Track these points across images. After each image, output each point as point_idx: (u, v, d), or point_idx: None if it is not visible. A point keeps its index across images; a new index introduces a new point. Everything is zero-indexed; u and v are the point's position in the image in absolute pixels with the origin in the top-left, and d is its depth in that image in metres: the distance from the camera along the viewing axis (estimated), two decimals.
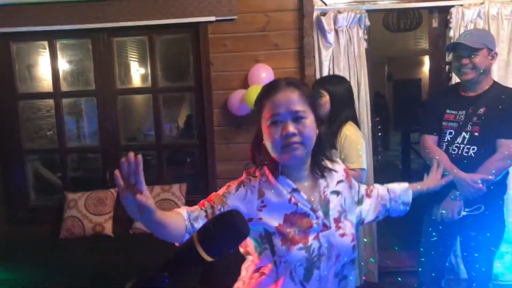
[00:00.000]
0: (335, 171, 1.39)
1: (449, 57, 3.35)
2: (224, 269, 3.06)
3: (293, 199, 1.27)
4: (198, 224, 1.19)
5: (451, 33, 3.22)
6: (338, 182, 1.38)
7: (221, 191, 1.30)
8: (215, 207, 1.24)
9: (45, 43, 3.60)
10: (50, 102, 3.85)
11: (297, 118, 1.22)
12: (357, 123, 2.55)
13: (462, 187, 2.21)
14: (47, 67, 3.67)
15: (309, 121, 1.24)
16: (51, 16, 3.34)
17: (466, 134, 2.27)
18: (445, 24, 3.32)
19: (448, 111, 2.36)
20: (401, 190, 1.57)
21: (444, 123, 2.36)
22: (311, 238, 1.24)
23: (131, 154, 0.91)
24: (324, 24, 3.20)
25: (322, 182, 1.34)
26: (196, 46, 3.43)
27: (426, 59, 8.50)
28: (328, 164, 1.38)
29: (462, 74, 2.29)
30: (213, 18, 3.32)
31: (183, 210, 1.24)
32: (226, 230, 0.71)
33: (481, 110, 2.26)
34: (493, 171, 2.18)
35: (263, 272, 1.27)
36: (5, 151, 3.53)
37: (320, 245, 1.24)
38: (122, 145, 3.67)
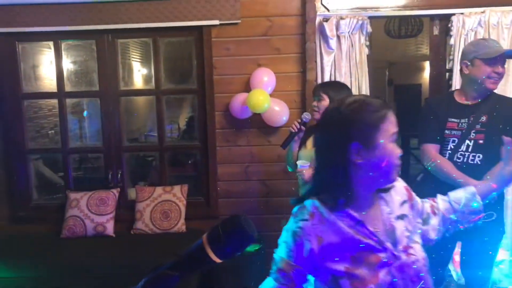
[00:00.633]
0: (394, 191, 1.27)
1: (449, 65, 3.40)
2: (225, 269, 3.09)
3: (357, 234, 1.15)
4: None
5: (452, 41, 3.26)
6: (401, 203, 1.26)
7: (283, 253, 1.19)
8: (291, 276, 1.16)
9: (50, 44, 3.64)
10: (52, 101, 3.88)
11: None
12: None
13: None
14: (51, 67, 3.70)
15: None
16: (57, 17, 3.38)
17: (470, 142, 2.29)
18: (446, 31, 3.37)
19: (450, 119, 2.36)
20: (467, 198, 1.41)
21: (447, 132, 2.36)
22: (382, 275, 1.12)
23: None
24: (326, 29, 3.24)
25: (384, 208, 1.22)
26: (199, 49, 3.47)
27: (427, 65, 8.53)
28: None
29: (493, 83, 2.28)
30: (216, 22, 3.36)
31: None
32: (234, 234, 0.74)
33: (483, 118, 2.29)
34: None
35: None
36: (8, 150, 3.56)
37: (392, 279, 1.13)
38: (125, 145, 3.71)
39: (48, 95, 3.91)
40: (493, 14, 3.20)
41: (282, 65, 3.40)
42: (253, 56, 3.42)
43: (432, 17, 3.44)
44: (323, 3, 3.32)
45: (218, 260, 0.75)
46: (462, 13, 3.24)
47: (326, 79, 3.29)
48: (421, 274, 1.17)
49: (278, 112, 3.29)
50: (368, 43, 3.34)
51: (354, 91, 3.30)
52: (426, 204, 1.37)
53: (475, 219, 1.44)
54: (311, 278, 1.19)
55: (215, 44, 3.42)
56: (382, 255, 1.14)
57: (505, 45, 3.21)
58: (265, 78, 3.31)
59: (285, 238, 1.20)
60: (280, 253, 1.19)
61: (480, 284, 2.36)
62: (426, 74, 9.54)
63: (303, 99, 3.36)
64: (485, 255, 2.33)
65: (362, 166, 1.14)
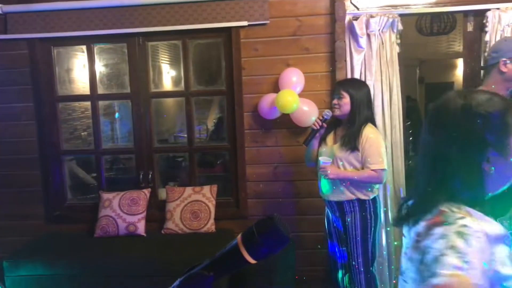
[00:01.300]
0: None
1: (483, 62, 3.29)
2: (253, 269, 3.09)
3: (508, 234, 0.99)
4: None
5: (487, 37, 3.16)
6: None
7: (466, 277, 0.87)
8: None
9: (83, 47, 3.73)
10: (85, 104, 3.97)
11: None
12: (375, 124, 2.69)
13: None
14: (84, 71, 3.80)
15: None
16: (89, 22, 3.47)
17: None
18: (481, 28, 3.26)
19: None
20: None
21: None
22: None
23: None
24: (356, 28, 3.19)
25: None
26: (228, 50, 3.49)
27: (459, 62, 8.31)
28: None
29: None
30: (245, 23, 3.36)
31: None
32: (269, 234, 0.73)
33: None
34: None
35: None
36: (44, 152, 3.67)
37: None
38: (155, 146, 3.77)
39: (82, 97, 4.01)
40: None
41: (311, 65, 3.37)
42: (282, 56, 3.41)
43: (466, 13, 3.34)
44: (352, 1, 3.27)
45: (253, 261, 0.74)
46: (498, 8, 3.13)
47: (356, 78, 3.24)
48: None
49: (307, 112, 3.26)
50: (399, 41, 3.28)
51: (385, 90, 3.25)
52: None
53: None
54: None
55: (244, 45, 3.43)
56: None
57: None
58: (294, 78, 3.29)
59: (465, 253, 0.90)
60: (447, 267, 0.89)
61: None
62: (458, 72, 9.28)
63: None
64: None
65: (491, 176, 1.00)
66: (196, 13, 3.39)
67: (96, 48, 3.76)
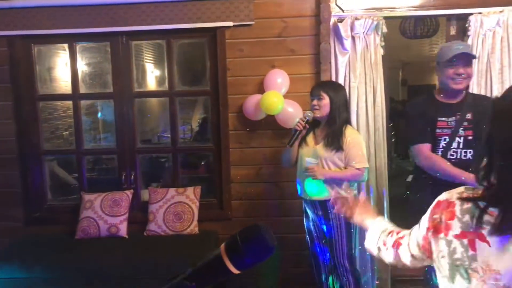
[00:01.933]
0: None
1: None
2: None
3: None
4: None
5: (470, 41, 3.20)
6: None
7: None
8: None
9: (65, 46, 3.66)
10: (67, 103, 3.90)
11: None
12: (351, 125, 2.81)
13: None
14: (66, 69, 3.73)
15: None
16: (72, 19, 3.40)
17: (460, 139, 2.43)
18: (463, 31, 3.30)
19: (439, 118, 2.48)
20: None
21: (438, 130, 2.48)
22: None
23: None
24: (341, 30, 3.20)
25: None
26: (213, 50, 3.46)
27: None
28: None
29: (457, 83, 2.42)
30: (230, 23, 3.34)
31: None
32: (254, 244, 0.71)
33: (469, 115, 2.42)
34: None
35: None
36: (24, 152, 3.59)
37: None
38: (138, 147, 3.72)
39: (63, 96, 3.94)
40: None
41: (297, 67, 3.37)
42: (267, 57, 3.40)
43: (449, 17, 3.38)
44: (337, 3, 3.28)
45: (236, 271, 0.72)
46: (480, 13, 3.18)
47: (341, 80, 3.25)
48: None
49: (292, 113, 3.26)
50: (383, 43, 3.30)
51: (369, 92, 3.27)
52: None
53: None
54: None
55: (229, 46, 3.40)
56: None
57: None
58: (279, 79, 3.28)
59: None
60: None
61: None
62: None
63: None
64: None
65: None
66: (181, 12, 3.35)
67: (78, 47, 3.69)
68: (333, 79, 3.28)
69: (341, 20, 3.24)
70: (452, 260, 1.02)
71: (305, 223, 2.94)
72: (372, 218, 1.46)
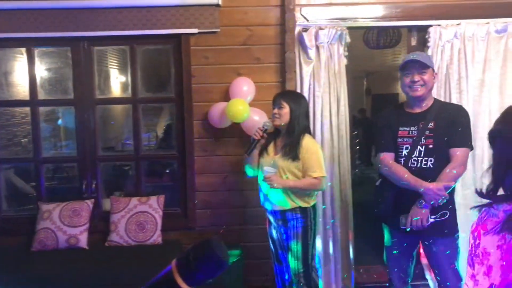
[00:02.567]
0: None
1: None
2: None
3: None
4: None
5: (430, 52, 3.30)
6: None
7: None
8: None
9: (23, 50, 3.53)
10: (25, 109, 3.76)
11: None
12: (311, 135, 2.80)
13: (429, 196, 2.36)
14: (24, 74, 3.59)
15: None
16: (30, 23, 3.28)
17: (421, 148, 2.46)
18: (424, 42, 3.40)
19: (401, 128, 2.54)
20: None
21: (399, 140, 2.53)
22: None
23: None
24: (305, 40, 3.23)
25: None
26: (178, 57, 3.42)
27: None
28: None
29: (414, 90, 2.48)
30: (195, 30, 3.31)
31: None
32: (206, 260, 0.69)
33: (431, 124, 2.47)
34: (453, 178, 2.38)
35: None
36: None
37: None
38: (100, 155, 3.61)
39: (21, 103, 3.79)
40: (469, 26, 3.25)
41: (262, 75, 3.37)
42: (233, 65, 3.39)
43: (410, 28, 3.48)
44: (302, 13, 3.32)
45: None
46: (439, 25, 3.28)
47: (305, 89, 3.28)
48: None
49: (258, 121, 3.25)
50: (346, 53, 3.35)
51: (333, 101, 3.31)
52: None
53: None
54: None
55: (194, 53, 3.37)
56: None
57: (480, 57, 3.27)
58: (245, 87, 3.28)
59: None
60: None
61: (450, 280, 2.46)
62: None
63: None
64: (448, 251, 2.45)
65: None
66: (145, 18, 3.30)
67: (37, 51, 3.56)
68: (298, 87, 3.30)
69: (305, 29, 3.27)
70: None
71: (268, 231, 2.93)
72: None
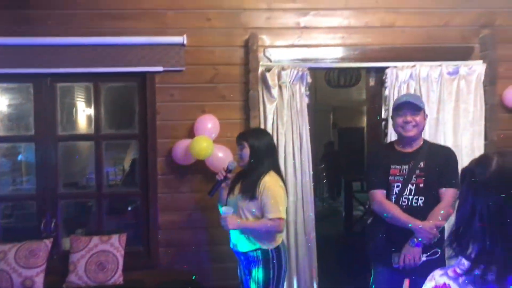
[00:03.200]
0: None
1: (384, 114, 3.57)
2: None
3: None
4: None
5: (387, 92, 3.44)
6: None
7: None
8: None
9: None
10: None
11: None
12: (279, 172, 2.74)
13: (420, 235, 2.41)
14: None
15: None
16: None
17: (412, 186, 2.52)
18: (381, 83, 3.55)
19: (392, 166, 2.60)
20: None
21: (391, 178, 2.59)
22: None
23: None
24: (268, 79, 3.32)
25: None
26: (142, 94, 3.44)
27: None
28: None
29: (406, 131, 2.56)
30: (160, 69, 3.35)
31: None
32: None
33: (422, 164, 2.53)
34: (443, 217, 2.43)
35: None
36: None
37: None
38: (60, 192, 3.52)
39: None
40: (423, 68, 3.42)
41: (227, 112, 3.42)
42: (198, 102, 3.43)
43: (368, 69, 3.63)
44: (265, 54, 3.42)
45: None
46: (395, 67, 3.44)
47: (269, 126, 3.34)
48: None
49: (222, 158, 3.27)
50: (308, 92, 3.45)
51: (296, 138, 3.37)
52: None
53: None
54: None
55: (159, 90, 3.40)
56: None
57: (434, 97, 3.43)
58: (209, 124, 3.31)
59: None
60: None
61: None
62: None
63: None
64: None
65: None
66: (110, 56, 3.32)
67: None
68: (262, 125, 3.36)
69: (268, 69, 3.37)
70: None
71: (237, 271, 2.88)
72: None
